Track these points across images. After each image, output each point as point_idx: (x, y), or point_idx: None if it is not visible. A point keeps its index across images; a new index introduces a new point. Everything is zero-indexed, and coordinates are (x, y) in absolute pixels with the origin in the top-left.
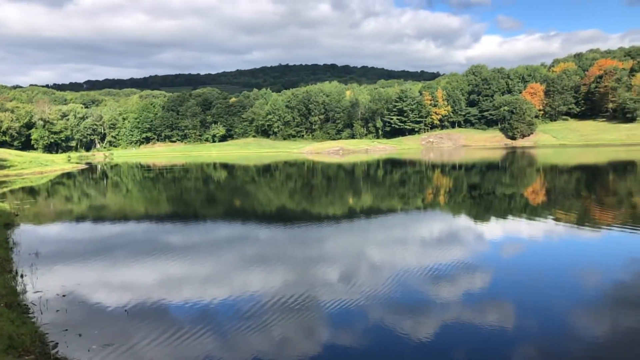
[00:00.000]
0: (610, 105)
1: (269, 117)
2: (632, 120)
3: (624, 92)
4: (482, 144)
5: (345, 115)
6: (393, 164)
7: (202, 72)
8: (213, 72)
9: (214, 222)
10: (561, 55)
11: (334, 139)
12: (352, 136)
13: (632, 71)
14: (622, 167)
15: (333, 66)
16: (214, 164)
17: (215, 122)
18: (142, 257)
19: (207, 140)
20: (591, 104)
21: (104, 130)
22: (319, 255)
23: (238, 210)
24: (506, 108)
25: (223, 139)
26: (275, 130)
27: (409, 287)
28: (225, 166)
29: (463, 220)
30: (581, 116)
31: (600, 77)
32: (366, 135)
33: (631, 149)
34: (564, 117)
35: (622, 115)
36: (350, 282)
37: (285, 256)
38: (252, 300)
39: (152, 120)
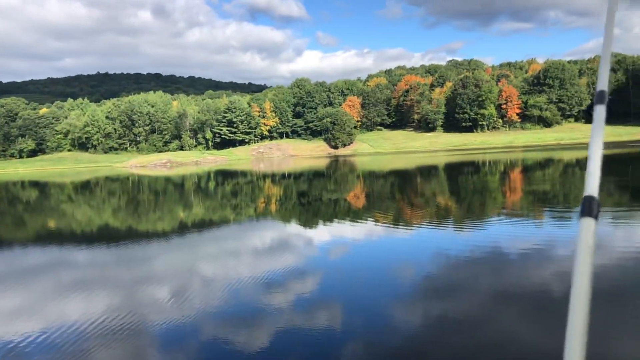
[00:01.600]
0: (416, 116)
1: (87, 129)
2: (433, 129)
3: (426, 104)
4: (308, 154)
5: (172, 126)
6: (224, 175)
7: (5, 80)
8: (18, 80)
9: (24, 248)
10: (374, 71)
11: (161, 151)
12: (181, 148)
13: (432, 86)
14: (427, 171)
15: (158, 75)
16: (22, 183)
17: (23, 136)
18: None
19: (12, 156)
20: (400, 115)
21: None
22: (147, 274)
23: (53, 232)
24: (329, 119)
25: (33, 154)
26: (95, 143)
27: (242, 297)
28: (36, 184)
29: (293, 227)
30: (393, 126)
31: (407, 91)
32: (196, 146)
33: (433, 155)
34: (378, 127)
35: (425, 125)
36: (181, 298)
37: (108, 279)
38: (71, 331)
39: None
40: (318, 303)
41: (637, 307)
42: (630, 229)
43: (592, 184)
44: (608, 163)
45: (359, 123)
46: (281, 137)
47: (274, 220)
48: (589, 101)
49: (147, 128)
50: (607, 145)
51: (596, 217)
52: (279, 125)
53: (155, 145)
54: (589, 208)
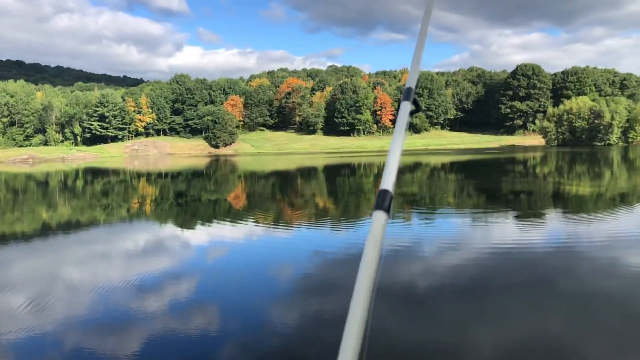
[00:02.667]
0: (297, 118)
1: None
2: (313, 132)
3: (307, 107)
4: (187, 152)
5: (35, 119)
6: (94, 173)
7: None
8: None
9: None
10: (257, 72)
11: (22, 146)
12: (45, 143)
13: (313, 90)
14: (307, 173)
15: (20, 63)
16: None
17: None
18: None
19: None
20: (282, 117)
21: None
22: (1, 283)
23: None
24: (209, 118)
25: None
26: None
27: (111, 303)
28: None
29: (169, 229)
30: (275, 127)
31: (289, 93)
32: (62, 142)
33: (313, 157)
34: (260, 128)
35: (306, 127)
36: (40, 306)
37: None
38: None
39: None
40: (193, 306)
41: (493, 301)
42: (486, 228)
43: (388, 178)
44: (469, 167)
45: (241, 123)
46: (158, 135)
47: (148, 222)
48: (454, 111)
49: (5, 120)
50: (468, 151)
51: (387, 210)
52: (156, 121)
53: (14, 140)
54: (382, 201)
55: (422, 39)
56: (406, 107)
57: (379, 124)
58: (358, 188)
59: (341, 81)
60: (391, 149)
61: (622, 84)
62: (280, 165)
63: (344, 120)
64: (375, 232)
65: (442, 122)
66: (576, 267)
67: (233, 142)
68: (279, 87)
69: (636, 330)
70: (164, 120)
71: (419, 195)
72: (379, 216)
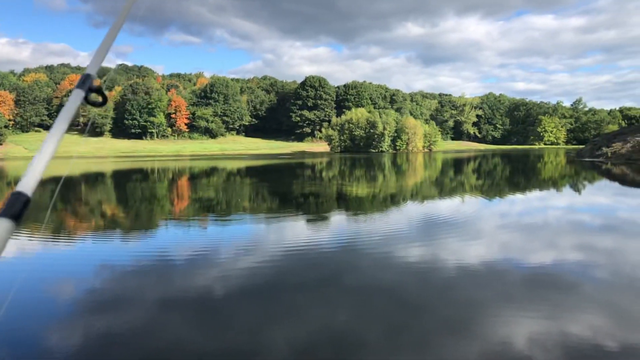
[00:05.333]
0: (81, 119)
1: None
2: (100, 134)
3: (93, 108)
4: None
5: None
6: None
7: None
8: None
9: None
10: (32, 65)
11: None
12: None
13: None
14: (94, 179)
15: None
16: None
17: None
18: None
19: None
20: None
21: None
22: None
23: None
24: None
25: None
26: None
27: None
28: None
29: None
30: None
31: (71, 91)
32: None
33: (100, 161)
34: (36, 128)
35: (92, 129)
36: None
37: None
38: None
39: None
40: None
41: (287, 300)
42: (280, 230)
43: (28, 178)
44: (264, 172)
45: (11, 122)
46: None
47: None
48: (249, 117)
49: None
50: (263, 156)
51: (17, 218)
52: None
53: None
54: (10, 206)
55: (116, 29)
56: (78, 95)
57: (174, 128)
58: (151, 194)
59: (132, 81)
60: (45, 142)
61: (392, 98)
62: (61, 170)
63: (136, 122)
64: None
65: (237, 127)
66: (358, 263)
67: (0, 144)
68: (59, 84)
69: (407, 315)
70: None
71: (215, 200)
72: (3, 223)
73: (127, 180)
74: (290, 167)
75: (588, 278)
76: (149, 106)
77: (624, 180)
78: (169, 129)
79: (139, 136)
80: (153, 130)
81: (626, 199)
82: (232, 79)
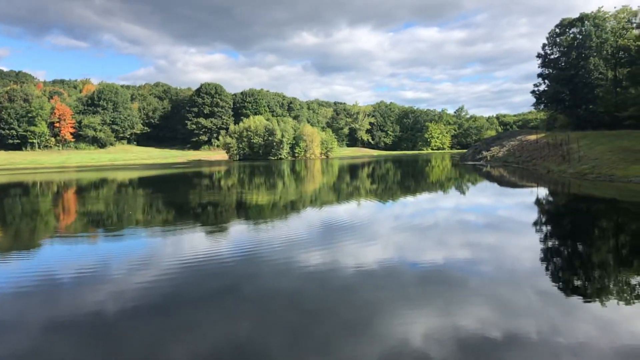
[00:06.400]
0: None
1: None
2: None
3: None
4: None
5: None
6: None
7: None
8: None
9: None
10: None
11: None
12: None
13: None
14: None
15: None
16: None
17: None
18: None
19: None
20: None
21: None
22: None
23: None
24: None
25: None
26: None
27: None
28: None
29: None
30: None
31: None
32: None
33: None
34: None
35: None
36: None
37: None
38: None
39: None
40: None
41: (186, 314)
42: (177, 242)
43: None
44: (158, 182)
45: None
46: None
47: None
48: (140, 125)
49: None
50: (157, 166)
51: None
52: None
53: None
54: None
55: None
56: None
57: (58, 137)
58: (32, 210)
59: (8, 87)
60: None
61: (289, 106)
62: None
63: (13, 132)
64: None
65: (128, 136)
66: (259, 271)
67: None
68: None
69: (309, 320)
70: None
71: (105, 214)
72: None
73: (4, 196)
74: (187, 177)
75: (475, 273)
76: (29, 115)
77: (501, 181)
78: (53, 139)
79: (17, 147)
80: (34, 141)
81: (504, 198)
82: (122, 86)
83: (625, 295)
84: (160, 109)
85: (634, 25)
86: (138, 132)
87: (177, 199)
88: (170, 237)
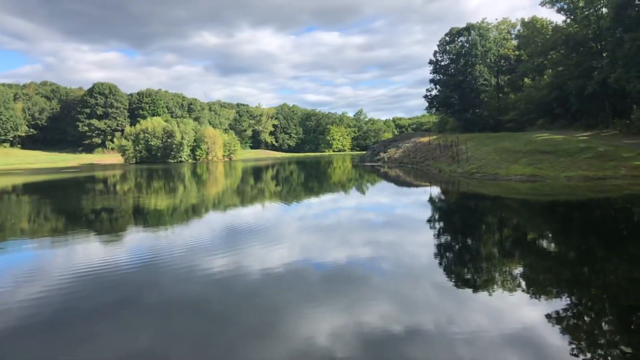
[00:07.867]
0: None
1: None
2: None
3: None
4: None
5: None
6: None
7: None
8: None
9: None
10: None
11: None
12: None
13: None
14: None
15: None
16: None
17: None
18: None
19: None
20: None
21: None
22: None
23: None
24: None
25: None
26: None
27: None
28: None
29: None
30: None
31: None
32: None
33: None
34: None
35: None
36: None
37: None
38: None
39: None
40: None
41: (80, 328)
42: (68, 253)
43: None
44: (46, 188)
45: None
46: None
47: None
48: (25, 127)
49: None
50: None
51: None
52: None
53: None
54: None
55: None
56: None
57: None
58: None
59: None
60: None
61: (189, 107)
62: None
63: None
64: None
65: (11, 139)
66: (160, 279)
67: None
68: None
69: (213, 326)
70: None
71: None
72: None
73: None
74: (79, 182)
75: (377, 270)
76: None
77: (397, 181)
78: None
79: None
80: None
81: (401, 197)
82: (3, 84)
83: (509, 284)
84: (48, 110)
85: (513, 36)
86: (22, 134)
87: (68, 206)
88: (61, 247)
